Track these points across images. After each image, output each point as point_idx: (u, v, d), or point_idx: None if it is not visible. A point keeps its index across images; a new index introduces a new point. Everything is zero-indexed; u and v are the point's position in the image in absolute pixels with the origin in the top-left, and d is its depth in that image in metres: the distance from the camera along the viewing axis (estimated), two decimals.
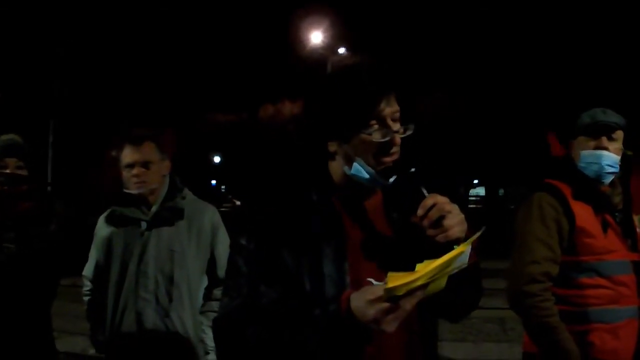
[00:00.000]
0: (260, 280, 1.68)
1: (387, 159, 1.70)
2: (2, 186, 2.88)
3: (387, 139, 1.68)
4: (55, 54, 19.87)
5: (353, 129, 1.70)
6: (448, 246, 1.56)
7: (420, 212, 1.60)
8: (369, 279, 1.54)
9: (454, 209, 1.61)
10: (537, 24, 22.03)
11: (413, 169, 1.67)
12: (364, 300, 1.48)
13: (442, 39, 22.84)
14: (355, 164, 1.72)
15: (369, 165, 1.70)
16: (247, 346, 1.63)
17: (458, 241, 1.57)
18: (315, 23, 21.93)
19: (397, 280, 1.43)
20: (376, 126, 1.68)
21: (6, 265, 2.85)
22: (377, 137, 1.68)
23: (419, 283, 1.43)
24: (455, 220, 1.59)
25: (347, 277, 1.66)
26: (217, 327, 1.74)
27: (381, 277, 1.51)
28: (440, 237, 1.58)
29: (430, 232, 1.59)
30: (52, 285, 3.08)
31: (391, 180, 1.70)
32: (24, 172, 2.98)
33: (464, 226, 1.61)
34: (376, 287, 1.48)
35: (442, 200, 1.60)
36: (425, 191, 1.63)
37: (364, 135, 1.68)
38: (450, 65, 23.05)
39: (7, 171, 2.92)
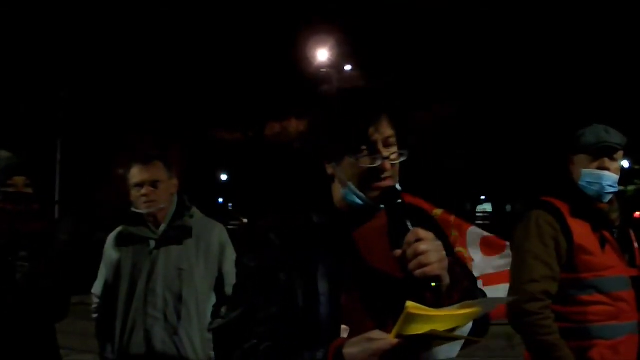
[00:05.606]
0: (258, 294, 1.71)
1: (379, 184, 1.72)
2: (17, 206, 2.92)
3: (375, 164, 1.71)
4: (61, 73, 20.07)
5: (343, 152, 1.73)
6: (425, 283, 1.56)
7: (398, 252, 1.61)
8: (343, 326, 1.60)
9: (434, 247, 1.59)
10: (545, 40, 22.09)
11: (399, 200, 1.68)
12: (364, 350, 1.48)
13: (448, 55, 22.89)
14: (346, 188, 1.76)
15: (360, 189, 1.73)
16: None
17: (437, 279, 1.56)
18: (322, 41, 22.05)
19: (415, 318, 1.42)
20: (366, 151, 1.71)
21: (22, 284, 2.90)
22: (365, 162, 1.71)
23: (434, 326, 1.42)
24: (432, 258, 1.57)
25: (342, 296, 1.68)
26: (215, 335, 1.82)
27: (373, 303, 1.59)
28: (417, 273, 1.56)
29: (410, 265, 1.58)
30: (64, 303, 3.10)
31: (382, 206, 1.72)
32: (30, 190, 3.02)
33: (444, 264, 1.60)
34: (375, 336, 1.49)
35: (423, 236, 1.59)
36: (409, 224, 1.63)
37: (352, 160, 1.72)
38: (457, 81, 23.08)
39: (21, 190, 2.97)
